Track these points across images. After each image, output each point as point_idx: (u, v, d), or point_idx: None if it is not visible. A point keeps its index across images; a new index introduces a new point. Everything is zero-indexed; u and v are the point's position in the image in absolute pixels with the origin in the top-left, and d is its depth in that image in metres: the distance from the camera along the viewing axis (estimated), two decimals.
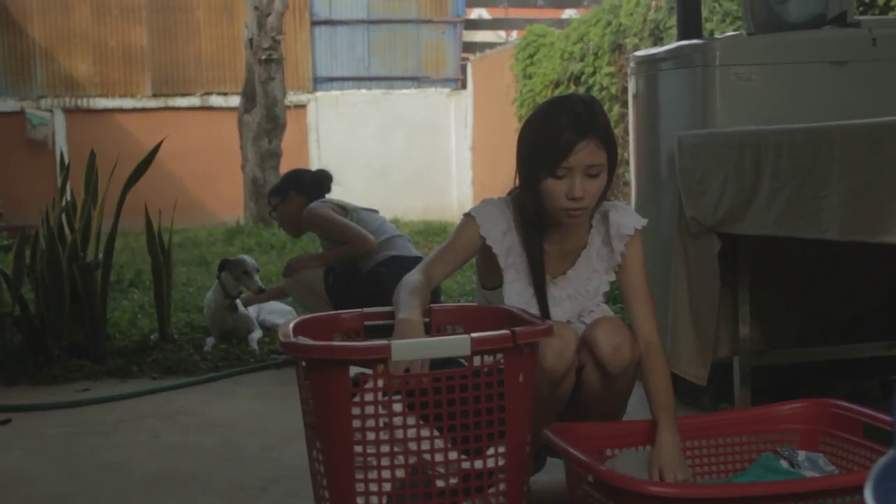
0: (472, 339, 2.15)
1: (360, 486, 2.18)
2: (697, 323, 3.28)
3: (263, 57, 12.40)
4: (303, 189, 4.94)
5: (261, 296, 5.30)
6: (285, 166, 12.57)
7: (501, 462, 2.22)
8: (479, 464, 2.21)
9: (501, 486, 2.24)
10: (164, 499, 2.99)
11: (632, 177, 4.08)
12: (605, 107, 7.32)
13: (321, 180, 5.03)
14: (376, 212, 5.00)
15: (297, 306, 5.76)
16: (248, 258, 5.34)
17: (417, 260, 4.73)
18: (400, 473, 2.18)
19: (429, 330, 2.66)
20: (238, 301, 5.25)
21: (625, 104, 8.61)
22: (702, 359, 3.26)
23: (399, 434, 2.17)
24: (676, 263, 3.30)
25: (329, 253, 4.75)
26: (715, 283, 3.22)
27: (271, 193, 5.13)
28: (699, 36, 4.21)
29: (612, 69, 9.54)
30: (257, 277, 5.22)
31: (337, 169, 5.22)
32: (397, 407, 2.17)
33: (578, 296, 2.72)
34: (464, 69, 16.47)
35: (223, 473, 3.20)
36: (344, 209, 4.78)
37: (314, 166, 15.75)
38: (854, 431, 2.55)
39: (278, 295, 5.45)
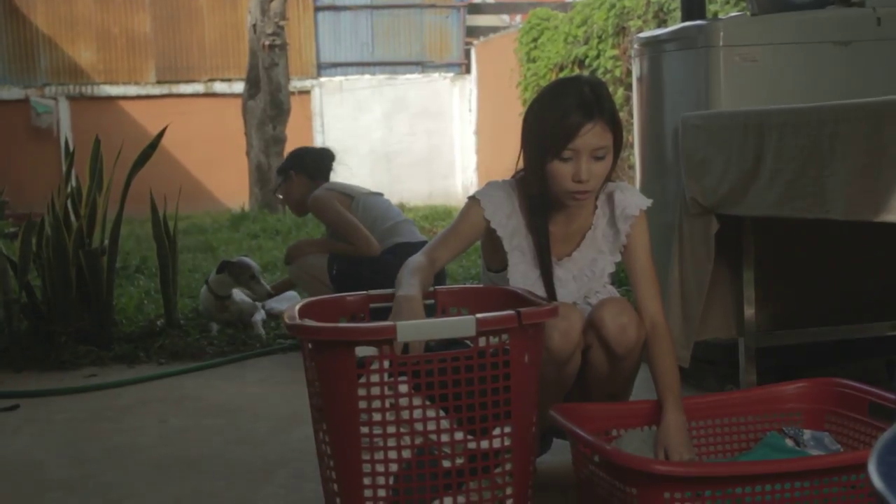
0: (478, 320, 2.16)
1: (366, 467, 2.19)
2: (686, 304, 3.29)
3: (267, 43, 12.39)
4: (304, 169, 4.91)
5: (273, 292, 5.28)
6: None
7: (507, 442, 2.23)
8: (485, 444, 2.21)
9: (508, 467, 2.25)
10: (172, 482, 3.00)
11: (636, 159, 4.08)
12: (610, 89, 7.29)
13: (323, 160, 5.00)
14: (381, 195, 4.98)
15: (302, 294, 5.76)
16: (251, 261, 5.29)
17: (423, 245, 4.72)
18: (406, 454, 2.19)
19: (433, 312, 2.67)
20: (233, 292, 5.21)
21: (629, 87, 8.60)
22: (686, 339, 3.27)
23: (405, 415, 2.18)
24: (675, 244, 3.31)
25: (331, 243, 4.75)
26: (708, 265, 3.22)
27: (277, 172, 5.14)
28: (703, 17, 4.20)
29: (615, 52, 9.53)
30: (264, 281, 5.22)
31: (341, 154, 5.21)
32: (403, 388, 2.18)
33: (584, 277, 2.72)
34: (467, 54, 16.45)
35: (231, 456, 3.21)
36: (349, 196, 4.76)
37: None
38: (859, 410, 2.55)
39: (288, 286, 5.41)
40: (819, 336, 3.63)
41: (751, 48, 3.51)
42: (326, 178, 4.94)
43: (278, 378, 4.29)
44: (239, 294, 5.24)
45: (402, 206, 11.92)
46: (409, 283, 2.43)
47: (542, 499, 2.58)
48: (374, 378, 2.16)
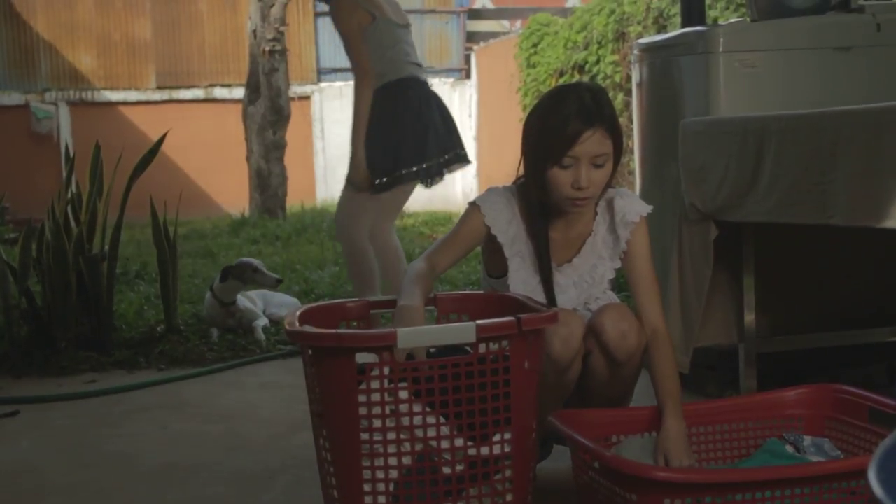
0: (478, 327, 2.16)
1: (366, 474, 2.19)
2: (685, 310, 3.29)
3: (267, 48, 12.39)
4: None
5: (281, 278, 5.25)
6: (290, 158, 12.61)
7: (507, 449, 2.23)
8: (485, 450, 2.22)
9: (507, 473, 2.25)
10: (172, 489, 3.00)
11: (636, 165, 4.08)
12: (610, 95, 7.27)
13: None
14: (406, 28, 4.87)
15: (303, 298, 5.77)
16: (248, 258, 5.35)
17: (423, 84, 4.72)
18: (406, 460, 2.19)
19: (434, 319, 2.67)
20: (238, 298, 5.23)
21: (629, 92, 8.60)
22: (686, 345, 3.27)
23: (405, 421, 2.18)
24: (675, 250, 3.31)
25: (356, 122, 4.67)
26: (707, 271, 3.22)
27: None
28: (703, 23, 4.21)
29: (615, 58, 9.53)
30: (268, 271, 5.24)
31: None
32: (403, 394, 2.18)
33: (584, 283, 2.72)
34: (467, 59, 16.46)
35: (230, 463, 3.21)
36: (372, 15, 4.65)
37: (319, 158, 15.83)
38: (859, 416, 2.56)
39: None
40: (819, 342, 3.63)
41: (751, 54, 3.52)
42: None
43: (278, 384, 4.29)
44: (243, 301, 5.26)
45: (401, 213, 11.89)
46: (411, 292, 2.43)
47: None
48: (375, 384, 2.16)
